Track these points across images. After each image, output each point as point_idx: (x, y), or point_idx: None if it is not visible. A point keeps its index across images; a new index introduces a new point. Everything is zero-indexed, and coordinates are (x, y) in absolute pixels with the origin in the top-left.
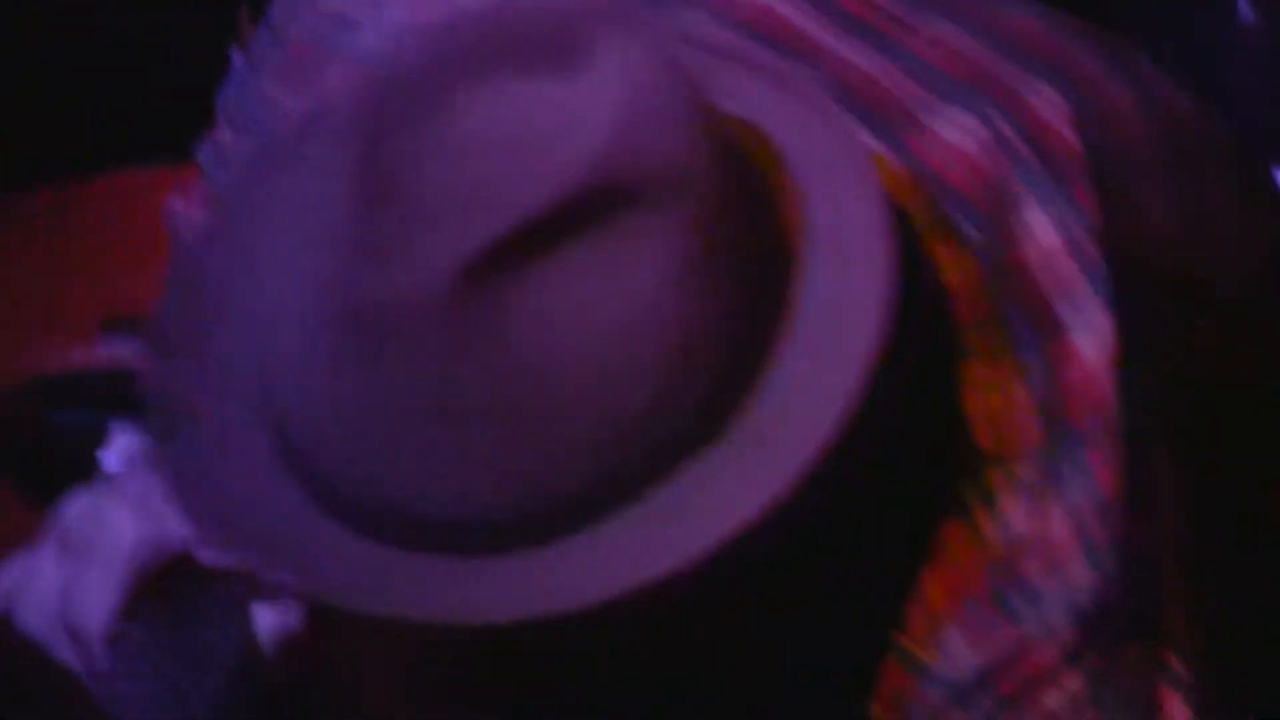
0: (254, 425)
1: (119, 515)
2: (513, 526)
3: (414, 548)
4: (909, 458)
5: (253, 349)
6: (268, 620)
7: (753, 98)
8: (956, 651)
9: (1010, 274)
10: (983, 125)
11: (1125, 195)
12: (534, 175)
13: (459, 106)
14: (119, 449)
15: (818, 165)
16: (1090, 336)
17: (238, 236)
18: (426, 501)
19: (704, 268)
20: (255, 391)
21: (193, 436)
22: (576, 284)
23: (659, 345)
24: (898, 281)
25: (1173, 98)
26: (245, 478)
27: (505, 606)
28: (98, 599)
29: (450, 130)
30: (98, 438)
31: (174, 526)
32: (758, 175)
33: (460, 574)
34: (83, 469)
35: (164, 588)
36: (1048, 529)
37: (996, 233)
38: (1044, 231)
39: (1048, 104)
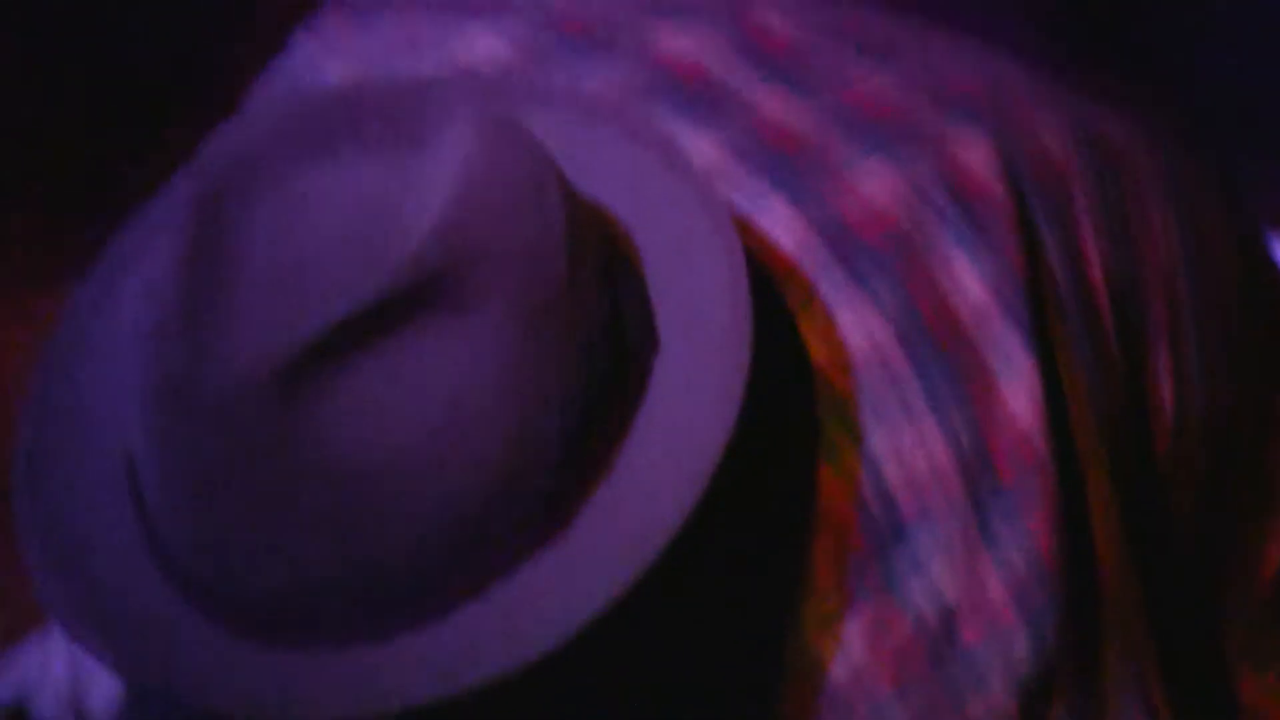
0: (122, 502)
1: None
2: (350, 619)
3: (253, 635)
4: (761, 541)
5: (107, 436)
6: None
7: (616, 171)
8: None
9: (930, 329)
10: (902, 178)
11: (1063, 235)
12: (363, 260)
13: (295, 185)
14: None
15: (679, 243)
16: (1021, 389)
17: (80, 339)
18: (262, 589)
19: (543, 353)
20: (117, 474)
21: (56, 516)
22: (404, 374)
23: (492, 437)
24: (749, 367)
25: (1112, 128)
26: (110, 558)
27: (331, 704)
28: (106, 679)
29: (285, 209)
30: None
31: None
32: (608, 255)
33: (294, 667)
34: None
35: None
36: (984, 591)
37: (913, 287)
38: (971, 283)
39: (975, 152)
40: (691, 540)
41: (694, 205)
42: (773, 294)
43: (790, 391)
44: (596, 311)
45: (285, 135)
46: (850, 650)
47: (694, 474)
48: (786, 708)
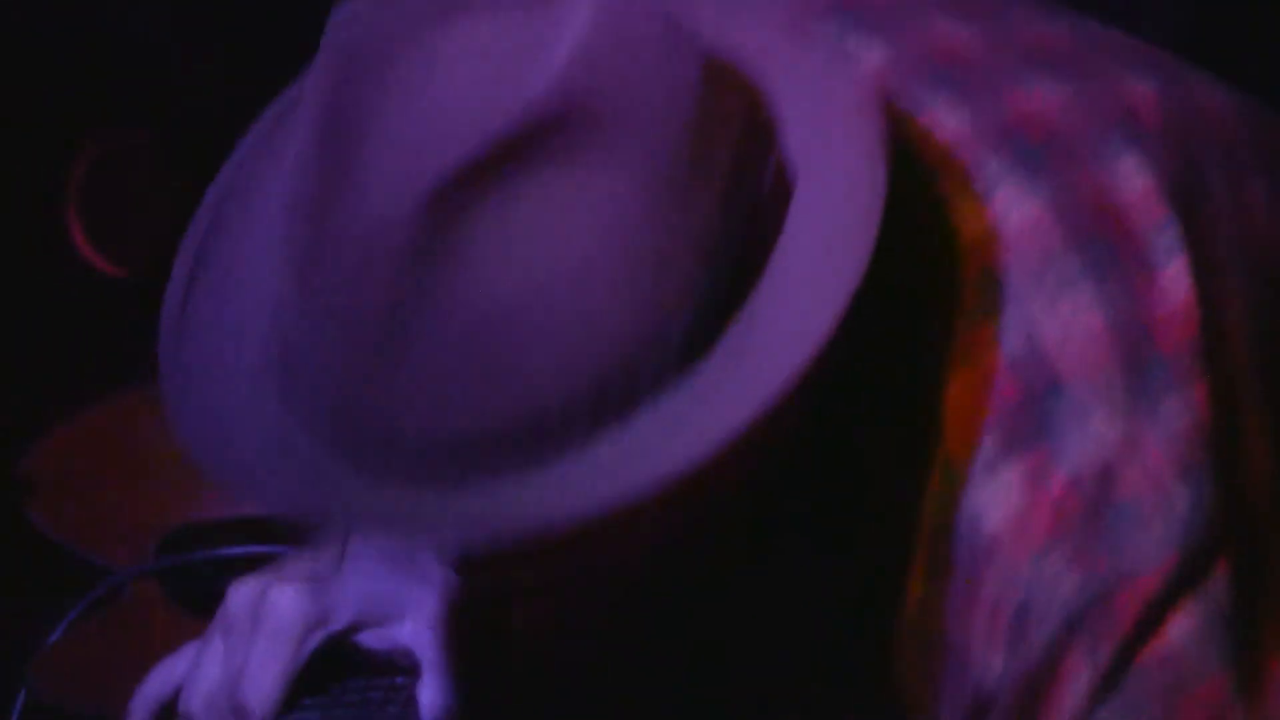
0: (256, 365)
1: (283, 594)
2: (492, 450)
3: (397, 473)
4: (907, 391)
5: (250, 295)
6: (430, 701)
7: (750, 40)
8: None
9: (1089, 215)
10: (1072, 96)
11: (1231, 191)
12: (498, 101)
13: (430, 43)
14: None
15: (820, 112)
16: (1180, 276)
17: (226, 210)
18: (405, 427)
19: (681, 190)
20: (253, 334)
21: (195, 373)
22: (547, 206)
23: (637, 268)
24: (881, 214)
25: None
26: (243, 407)
27: (483, 527)
28: (261, 676)
29: (420, 65)
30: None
31: (339, 605)
32: (743, 109)
33: (432, 499)
34: None
35: (328, 670)
36: (1142, 450)
37: (1072, 178)
38: (1134, 181)
39: (1143, 91)
40: (828, 375)
41: (841, 82)
42: (922, 173)
43: (935, 257)
44: (730, 157)
45: (413, 8)
46: (1009, 500)
47: (825, 313)
48: (940, 556)
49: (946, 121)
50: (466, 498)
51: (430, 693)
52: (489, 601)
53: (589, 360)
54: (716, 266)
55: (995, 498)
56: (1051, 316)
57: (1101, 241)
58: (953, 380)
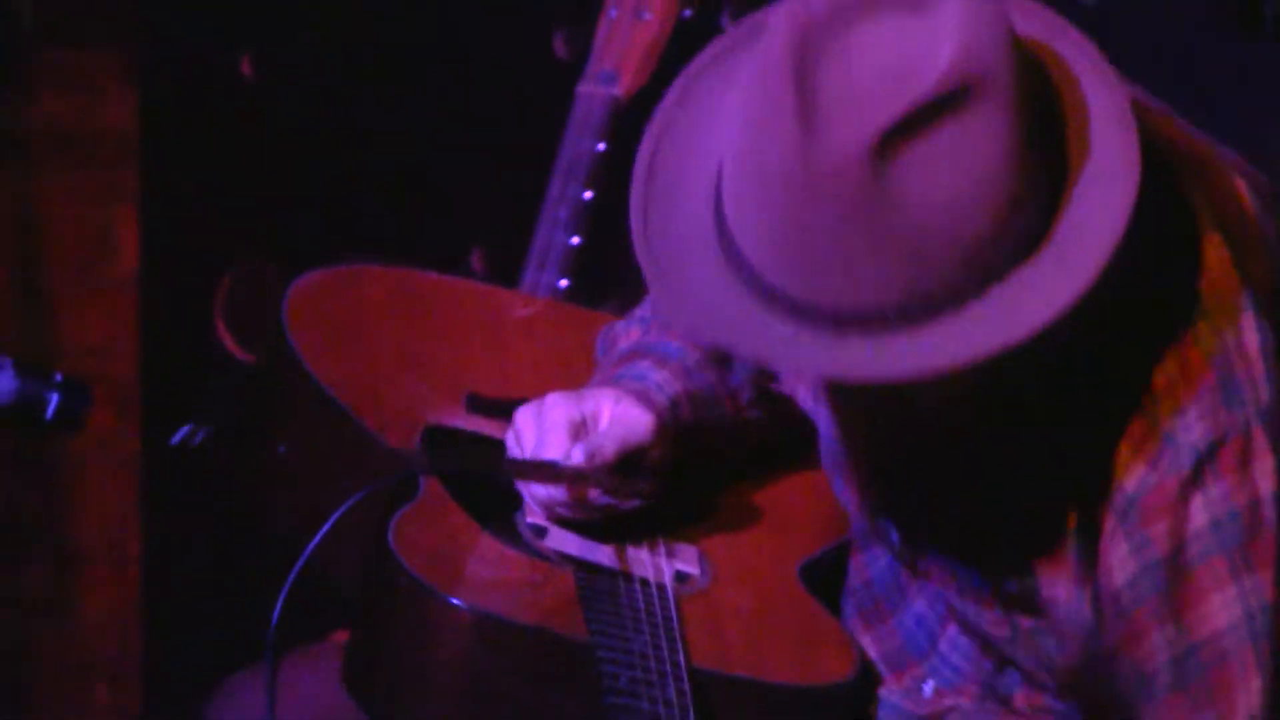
0: (708, 245)
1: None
2: (895, 315)
3: (821, 327)
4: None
5: (702, 190)
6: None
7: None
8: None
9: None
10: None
11: None
12: (911, 78)
13: (850, 32)
14: None
15: (1087, 91)
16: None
17: (683, 114)
18: (857, 297)
19: (1022, 143)
20: (704, 232)
21: (663, 261)
22: (951, 148)
23: (995, 196)
24: (1141, 170)
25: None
26: (703, 279)
27: (883, 369)
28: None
29: (846, 48)
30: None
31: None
32: (1052, 88)
33: (852, 345)
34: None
35: None
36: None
37: None
38: None
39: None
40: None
41: (1107, 80)
42: (1175, 159)
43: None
44: (1048, 119)
45: (839, 3)
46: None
47: (1110, 233)
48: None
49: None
50: (868, 344)
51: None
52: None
53: (977, 250)
54: (1043, 191)
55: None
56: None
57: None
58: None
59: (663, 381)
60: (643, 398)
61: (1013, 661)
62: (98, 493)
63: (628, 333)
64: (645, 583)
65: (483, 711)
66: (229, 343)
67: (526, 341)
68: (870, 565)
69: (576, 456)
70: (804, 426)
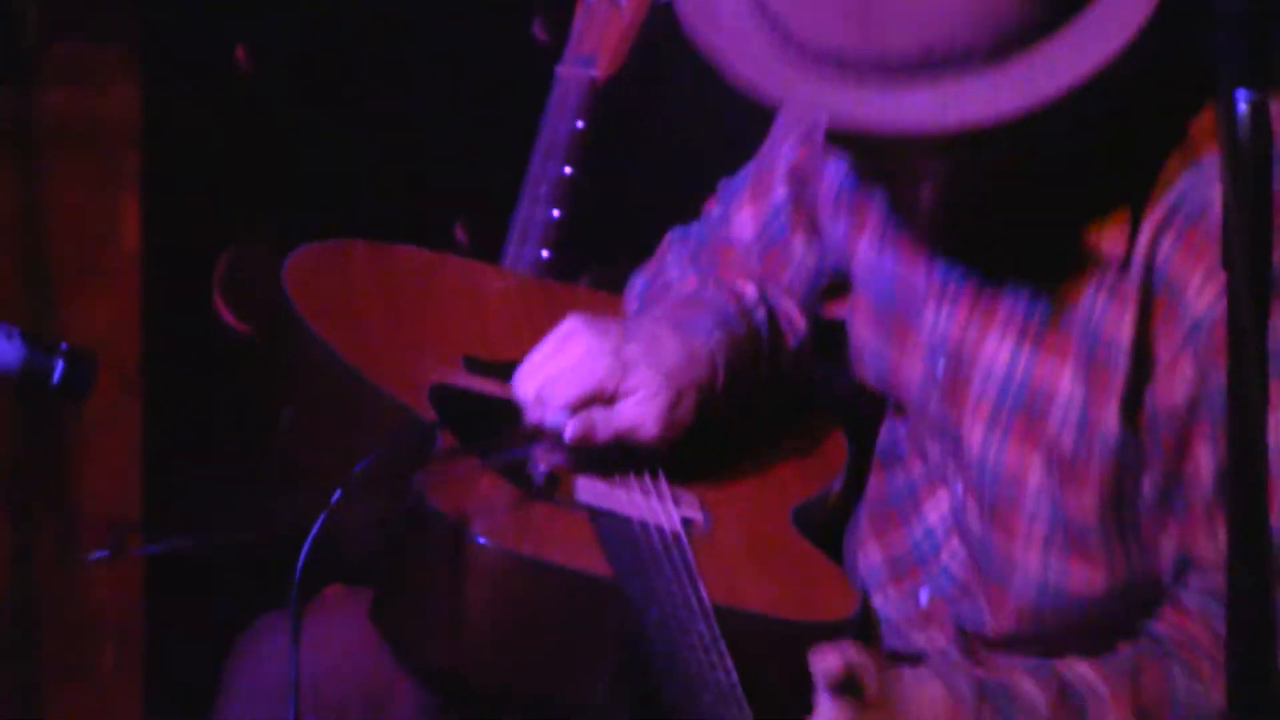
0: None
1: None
2: (929, 67)
3: (877, 79)
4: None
5: None
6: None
7: None
8: None
9: None
10: None
11: None
12: None
13: None
14: None
15: None
16: None
17: None
18: (890, 41)
19: None
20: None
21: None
22: None
23: None
24: None
25: None
26: (734, 30)
27: (896, 122)
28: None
29: None
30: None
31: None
32: None
33: (924, 92)
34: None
35: None
36: None
37: None
38: None
39: None
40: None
41: None
42: None
43: None
44: None
45: None
46: None
47: (1140, 14)
48: None
49: None
50: (889, 94)
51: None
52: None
53: (989, 16)
54: None
55: None
56: None
57: None
58: None
59: (716, 346)
60: (678, 384)
61: None
62: (102, 461)
63: (684, 278)
64: (658, 527)
65: (511, 651)
66: (227, 317)
67: (506, 311)
68: (889, 483)
69: (571, 429)
70: (812, 371)
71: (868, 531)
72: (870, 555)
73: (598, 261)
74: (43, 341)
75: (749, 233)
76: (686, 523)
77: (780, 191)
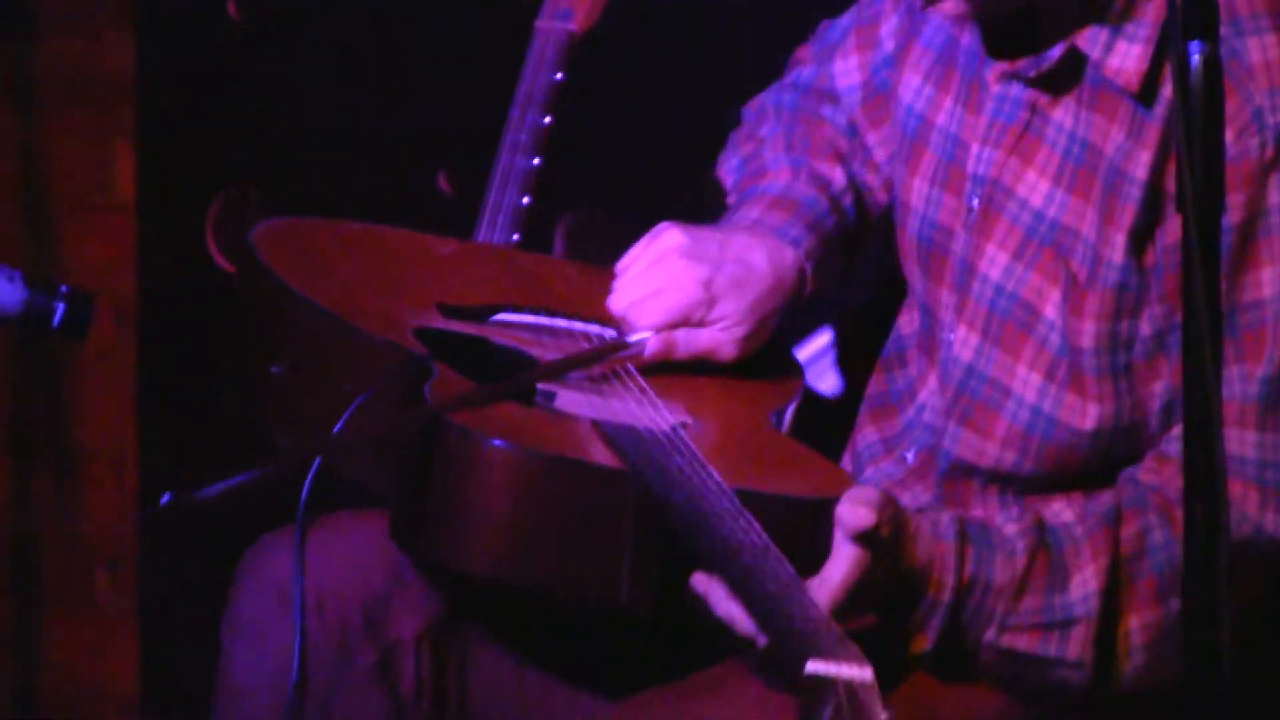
0: None
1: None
2: None
3: None
4: None
5: None
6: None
7: None
8: None
9: None
10: None
11: None
12: None
13: None
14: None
15: None
16: None
17: None
18: None
19: None
20: None
21: None
22: None
23: None
24: None
25: None
26: None
27: None
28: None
29: None
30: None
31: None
32: None
33: None
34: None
35: None
36: None
37: None
38: None
39: None
40: None
41: None
42: None
43: None
44: None
45: None
46: None
47: None
48: None
49: None
50: None
51: None
52: None
53: None
54: None
55: None
56: None
57: None
58: None
59: (806, 255)
60: (762, 312)
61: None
62: (99, 398)
63: (778, 168)
64: (659, 428)
65: (533, 549)
66: (218, 258)
67: (464, 265)
68: (889, 382)
69: (652, 346)
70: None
71: (866, 419)
72: (868, 436)
73: (575, 208)
74: (44, 282)
75: (854, 79)
76: (681, 425)
77: (889, 45)
